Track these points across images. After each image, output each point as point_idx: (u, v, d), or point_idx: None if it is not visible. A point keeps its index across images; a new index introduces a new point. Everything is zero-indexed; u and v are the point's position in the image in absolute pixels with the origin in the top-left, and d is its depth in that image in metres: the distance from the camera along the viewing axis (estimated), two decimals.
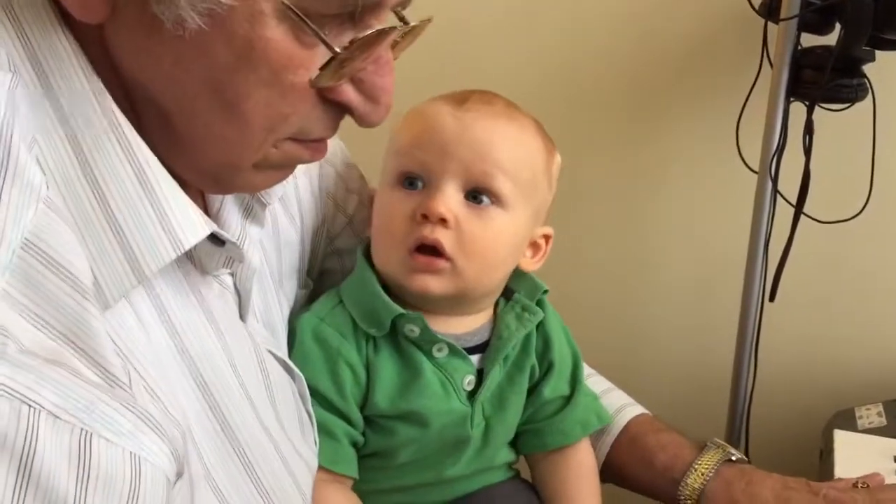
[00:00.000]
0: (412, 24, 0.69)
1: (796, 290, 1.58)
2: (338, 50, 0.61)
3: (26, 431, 0.51)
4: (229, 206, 0.78)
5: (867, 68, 1.39)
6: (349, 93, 0.66)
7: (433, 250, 0.88)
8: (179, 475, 0.62)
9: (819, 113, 1.42)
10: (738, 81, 1.52)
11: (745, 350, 1.57)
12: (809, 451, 1.42)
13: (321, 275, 1.02)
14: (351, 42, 0.62)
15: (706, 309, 1.74)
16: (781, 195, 1.48)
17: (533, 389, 1.00)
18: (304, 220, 0.96)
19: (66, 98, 0.61)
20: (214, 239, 0.70)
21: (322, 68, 0.62)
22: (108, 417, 0.55)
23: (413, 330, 0.90)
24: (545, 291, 0.99)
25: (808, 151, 1.44)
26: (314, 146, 0.70)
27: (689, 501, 1.00)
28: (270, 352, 0.83)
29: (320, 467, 0.88)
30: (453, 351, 0.92)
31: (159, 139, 0.64)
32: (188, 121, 0.63)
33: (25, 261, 0.55)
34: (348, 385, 0.90)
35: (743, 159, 1.51)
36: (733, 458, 1.02)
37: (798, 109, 1.44)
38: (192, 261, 0.73)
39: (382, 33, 0.63)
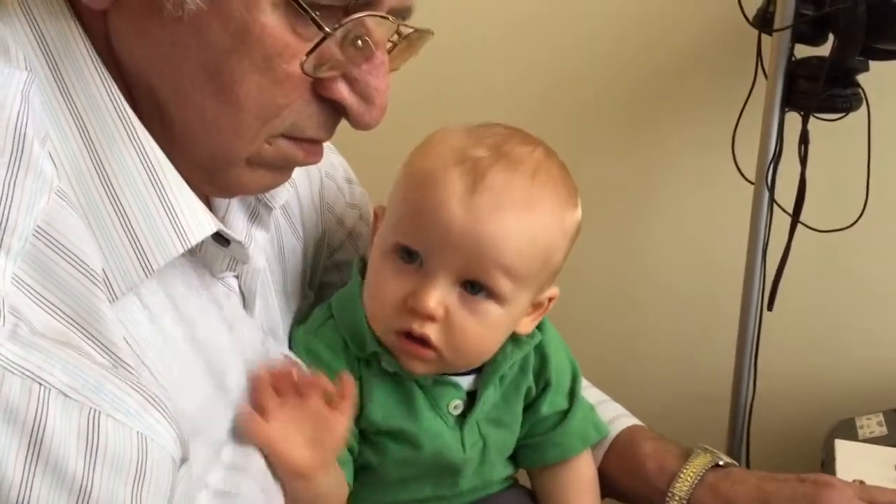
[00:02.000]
0: (410, 29, 0.69)
1: (795, 299, 1.58)
2: (328, 30, 0.62)
3: (37, 409, 0.53)
4: (235, 210, 0.79)
5: (861, 78, 1.40)
6: (343, 91, 0.67)
7: (421, 339, 0.85)
8: (184, 460, 0.63)
9: (814, 122, 1.42)
10: (734, 92, 1.52)
11: (744, 359, 1.57)
12: (811, 460, 1.41)
13: (321, 287, 1.02)
14: (341, 24, 0.63)
15: (705, 319, 1.74)
16: (778, 204, 1.48)
17: (530, 406, 0.98)
18: (306, 230, 0.96)
19: (80, 96, 0.63)
20: (220, 240, 0.71)
21: (311, 51, 0.63)
22: (116, 397, 0.57)
23: (389, 366, 0.88)
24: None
25: (803, 161, 1.44)
26: (308, 147, 0.70)
27: None
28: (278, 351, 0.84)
29: None
30: (438, 378, 0.91)
31: (157, 133, 0.65)
32: (183, 108, 0.64)
33: (37, 247, 0.57)
34: None
35: (739, 169, 1.52)
36: (721, 462, 1.00)
37: (793, 119, 1.44)
38: (200, 262, 0.74)
39: (373, 14, 0.64)
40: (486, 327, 0.86)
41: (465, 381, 0.92)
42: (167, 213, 0.64)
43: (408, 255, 0.85)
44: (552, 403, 0.99)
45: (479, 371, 0.93)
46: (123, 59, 0.64)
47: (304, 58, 0.63)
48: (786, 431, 1.71)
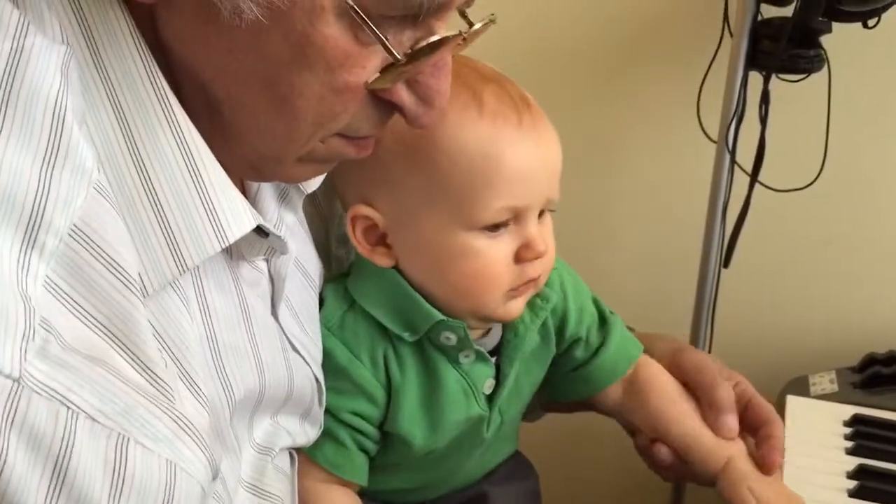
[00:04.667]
0: (476, 26, 0.67)
1: (752, 258, 1.60)
2: (399, 56, 0.59)
3: (63, 434, 0.51)
4: (265, 189, 0.75)
5: (824, 40, 1.40)
6: (402, 93, 0.64)
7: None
8: (215, 477, 0.61)
9: (777, 84, 1.44)
10: (701, 52, 1.53)
11: (702, 317, 1.59)
12: None
13: (330, 262, 0.97)
14: (412, 48, 0.60)
15: (664, 276, 1.76)
16: (738, 164, 1.49)
17: (559, 359, 0.95)
18: (325, 204, 0.93)
19: (118, 77, 0.59)
20: (258, 230, 0.68)
21: (381, 72, 0.60)
22: (147, 422, 0.55)
23: (450, 338, 0.84)
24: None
25: (763, 121, 1.45)
26: (361, 143, 0.67)
27: None
28: (300, 354, 0.80)
29: (323, 469, 0.85)
30: (479, 356, 0.87)
31: (204, 126, 0.62)
32: (236, 111, 0.61)
33: (73, 248, 0.54)
34: (363, 406, 0.85)
35: (703, 128, 1.53)
36: None
37: (757, 80, 1.45)
38: (230, 248, 0.69)
39: (446, 41, 0.61)
40: (551, 236, 0.86)
41: (493, 358, 0.89)
42: (205, 208, 0.60)
43: (494, 227, 0.81)
44: (585, 348, 0.96)
45: (500, 348, 0.90)
46: (173, 52, 0.60)
47: (376, 75, 0.60)
48: None
